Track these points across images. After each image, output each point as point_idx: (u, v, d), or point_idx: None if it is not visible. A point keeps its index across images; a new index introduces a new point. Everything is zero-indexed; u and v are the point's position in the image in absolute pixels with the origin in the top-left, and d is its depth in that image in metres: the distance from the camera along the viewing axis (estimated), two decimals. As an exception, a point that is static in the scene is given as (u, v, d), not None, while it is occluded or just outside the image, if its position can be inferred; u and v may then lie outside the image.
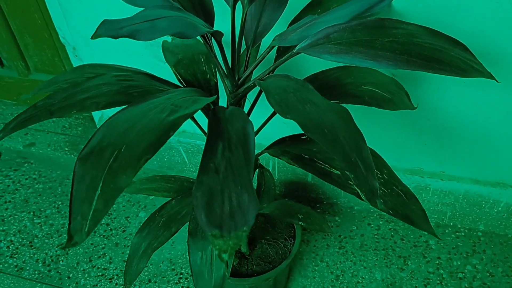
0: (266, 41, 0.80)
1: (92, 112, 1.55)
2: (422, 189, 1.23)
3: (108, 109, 0.62)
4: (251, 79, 0.75)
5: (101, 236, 1.35)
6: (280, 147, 0.75)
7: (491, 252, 1.22)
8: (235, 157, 0.52)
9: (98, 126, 1.44)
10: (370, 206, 1.36)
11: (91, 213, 0.42)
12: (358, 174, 0.53)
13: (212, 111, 0.62)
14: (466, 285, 1.15)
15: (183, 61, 0.85)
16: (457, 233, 1.27)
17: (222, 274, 0.63)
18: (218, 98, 0.85)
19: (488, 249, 1.23)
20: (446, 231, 1.28)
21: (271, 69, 0.69)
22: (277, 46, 0.82)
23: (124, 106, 0.57)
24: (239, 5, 0.74)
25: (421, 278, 1.18)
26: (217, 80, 0.83)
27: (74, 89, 0.63)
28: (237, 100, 0.72)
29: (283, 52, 0.82)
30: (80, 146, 1.59)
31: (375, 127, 1.14)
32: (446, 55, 0.63)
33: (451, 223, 1.29)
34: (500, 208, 1.20)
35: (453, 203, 1.23)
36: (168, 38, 0.94)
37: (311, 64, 1.03)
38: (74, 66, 1.15)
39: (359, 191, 0.57)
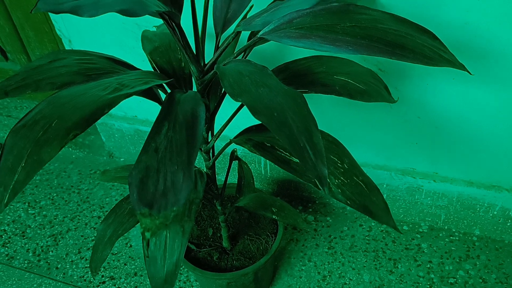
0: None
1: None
2: (415, 190, 1.19)
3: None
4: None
5: (92, 228, 1.35)
6: (246, 135, 0.73)
7: (485, 258, 1.18)
8: (177, 137, 0.51)
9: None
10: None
11: (12, 184, 0.42)
12: (306, 160, 0.52)
13: (169, 94, 0.61)
14: (456, 290, 1.11)
15: (160, 49, 0.84)
16: (451, 237, 1.23)
17: (175, 260, 0.62)
18: (192, 86, 0.84)
19: (483, 254, 1.18)
20: (440, 234, 1.24)
21: (235, 55, 0.67)
22: (249, 33, 0.81)
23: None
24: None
25: (410, 282, 1.15)
26: (192, 68, 0.82)
27: (33, 71, 0.64)
28: (204, 86, 0.71)
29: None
30: (79, 140, 1.60)
31: (365, 126, 1.11)
32: (411, 42, 0.61)
33: (446, 227, 1.25)
34: (495, 212, 1.15)
35: (447, 206, 1.19)
36: (152, 28, 0.94)
37: (293, 53, 1.01)
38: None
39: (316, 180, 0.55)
